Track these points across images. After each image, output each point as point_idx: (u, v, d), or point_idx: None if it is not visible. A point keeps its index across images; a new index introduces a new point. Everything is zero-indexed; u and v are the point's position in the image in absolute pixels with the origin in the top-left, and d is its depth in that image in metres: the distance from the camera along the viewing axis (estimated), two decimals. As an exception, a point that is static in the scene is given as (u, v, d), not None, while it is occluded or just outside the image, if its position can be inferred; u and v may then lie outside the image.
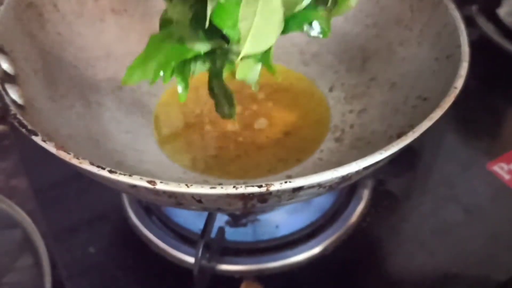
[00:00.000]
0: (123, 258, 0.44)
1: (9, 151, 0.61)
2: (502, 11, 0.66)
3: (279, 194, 0.27)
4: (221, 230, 0.42)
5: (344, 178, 0.28)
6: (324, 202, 0.45)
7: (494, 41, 0.63)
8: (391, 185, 0.48)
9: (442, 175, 0.49)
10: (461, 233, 0.45)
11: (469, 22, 0.65)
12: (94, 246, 0.45)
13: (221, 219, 0.44)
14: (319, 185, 0.28)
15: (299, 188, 0.27)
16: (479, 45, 0.64)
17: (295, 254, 0.42)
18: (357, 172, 0.28)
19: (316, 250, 0.43)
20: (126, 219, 0.46)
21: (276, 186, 0.27)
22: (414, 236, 0.45)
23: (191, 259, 0.40)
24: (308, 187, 0.27)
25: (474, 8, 0.67)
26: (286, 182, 0.27)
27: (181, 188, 0.26)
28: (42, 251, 0.50)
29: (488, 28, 0.64)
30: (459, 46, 0.36)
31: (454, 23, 0.38)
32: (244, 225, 0.45)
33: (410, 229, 0.45)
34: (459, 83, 0.33)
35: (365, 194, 0.46)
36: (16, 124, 0.30)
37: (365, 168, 0.28)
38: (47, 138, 0.30)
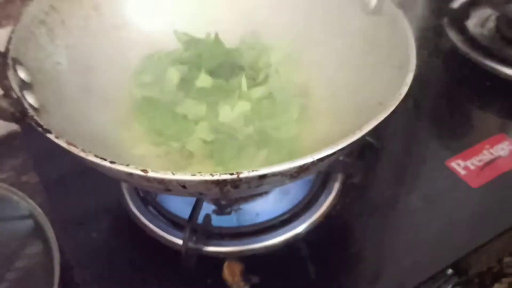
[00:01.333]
0: (123, 242, 0.50)
1: (19, 150, 0.67)
2: (470, 23, 0.72)
3: (248, 180, 0.34)
4: (207, 216, 0.48)
5: (301, 168, 0.34)
6: (298, 193, 0.51)
7: (463, 51, 0.68)
8: (359, 178, 0.54)
9: (405, 169, 0.55)
10: (421, 219, 0.51)
11: (441, 33, 0.72)
12: (97, 232, 0.51)
13: (208, 208, 0.50)
14: (281, 173, 0.34)
15: (264, 176, 0.33)
16: (449, 55, 0.71)
17: (273, 238, 0.48)
18: (313, 163, 0.34)
19: (290, 234, 0.49)
20: (125, 209, 0.51)
21: (244, 174, 0.33)
22: (378, 221, 0.51)
23: (180, 241, 0.46)
24: (271, 175, 0.34)
25: (445, 20, 0.73)
26: (253, 171, 0.33)
27: (168, 175, 0.33)
28: (52, 239, 0.55)
29: (458, 38, 0.70)
30: (408, 58, 0.42)
31: (406, 37, 0.44)
32: (229, 213, 0.51)
33: (375, 215, 0.51)
34: (404, 90, 0.39)
35: (335, 186, 0.52)
36: (34, 124, 0.36)
37: (319, 160, 0.34)
38: (59, 135, 0.36)
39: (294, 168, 0.34)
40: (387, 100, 0.41)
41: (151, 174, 0.33)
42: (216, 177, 0.33)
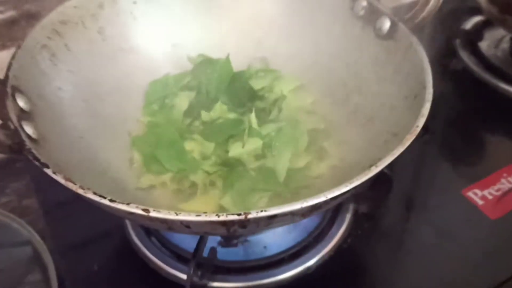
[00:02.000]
0: (124, 274, 0.48)
1: (22, 172, 0.65)
2: (483, 45, 0.71)
3: (257, 221, 0.32)
4: (213, 250, 0.46)
5: (313, 207, 0.32)
6: (308, 225, 0.49)
7: (476, 73, 0.67)
8: (371, 209, 0.51)
9: (419, 199, 0.53)
10: (435, 254, 0.48)
11: (453, 55, 0.70)
12: (98, 263, 0.49)
13: (213, 240, 0.48)
14: (291, 213, 0.32)
15: (274, 216, 0.31)
16: (462, 77, 0.69)
17: (281, 273, 0.46)
18: (325, 202, 0.32)
19: (300, 268, 0.46)
20: (127, 238, 0.49)
21: (253, 214, 0.31)
22: (390, 257, 0.49)
23: (184, 276, 0.44)
24: (281, 215, 0.32)
25: (457, 41, 0.71)
26: (262, 211, 0.31)
27: (171, 216, 0.31)
28: (50, 268, 0.54)
29: (471, 60, 0.68)
30: (424, 87, 0.40)
31: (421, 65, 0.42)
32: (235, 245, 0.49)
33: (387, 250, 0.49)
34: (421, 122, 0.37)
35: (347, 217, 0.50)
36: (30, 157, 0.34)
37: (332, 199, 0.32)
38: (57, 169, 0.34)
39: (306, 207, 0.32)
40: (402, 131, 0.40)
41: (153, 214, 0.31)
42: (223, 218, 0.31)
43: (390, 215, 0.52)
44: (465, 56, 0.69)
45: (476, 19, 0.74)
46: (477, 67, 0.67)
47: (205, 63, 0.54)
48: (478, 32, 0.71)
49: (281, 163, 0.45)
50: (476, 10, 0.70)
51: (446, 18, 0.71)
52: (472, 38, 0.70)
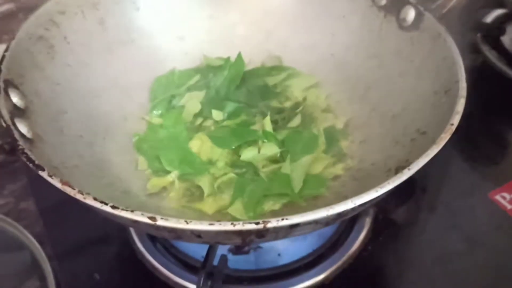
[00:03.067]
0: (126, 283, 0.45)
1: (19, 173, 0.62)
2: (506, 39, 0.67)
3: (276, 230, 0.28)
4: (223, 258, 0.43)
5: (339, 215, 0.29)
6: (326, 230, 0.46)
7: (498, 68, 0.63)
8: (393, 213, 0.48)
9: (444, 203, 0.49)
10: (462, 262, 0.45)
11: (474, 49, 0.66)
12: (99, 271, 0.46)
13: (224, 247, 0.45)
14: (315, 221, 0.28)
15: (296, 225, 0.28)
16: (483, 72, 0.66)
17: (297, 283, 0.43)
18: (353, 209, 0.29)
19: (317, 279, 0.43)
20: (130, 244, 0.46)
21: (273, 223, 0.27)
22: (415, 265, 0.45)
23: (193, 287, 0.41)
24: (304, 223, 0.28)
25: (478, 35, 0.67)
26: (282, 220, 0.27)
27: (180, 224, 0.27)
28: (48, 276, 0.51)
29: (492, 55, 0.65)
30: (457, 82, 0.37)
31: (452, 57, 0.39)
32: (247, 252, 0.45)
33: (412, 257, 0.46)
34: (456, 119, 0.34)
35: (367, 222, 0.46)
36: (24, 159, 0.31)
37: (361, 205, 0.29)
38: (53, 171, 0.31)
39: (331, 215, 0.28)
40: (431, 129, 0.36)
41: (160, 222, 0.27)
42: (239, 227, 0.27)
43: (412, 220, 0.49)
44: (486, 51, 0.66)
45: (498, 12, 0.70)
46: (499, 61, 0.64)
47: (215, 63, 0.52)
48: (500, 26, 0.67)
49: (299, 171, 0.42)
50: (498, 3, 0.67)
51: (466, 11, 0.67)
52: (494, 32, 0.67)
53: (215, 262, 0.42)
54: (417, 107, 0.41)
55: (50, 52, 0.43)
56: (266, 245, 0.45)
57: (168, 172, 0.44)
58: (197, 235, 0.29)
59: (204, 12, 0.53)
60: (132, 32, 0.50)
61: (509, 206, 0.49)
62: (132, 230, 0.47)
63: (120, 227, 0.48)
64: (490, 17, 0.70)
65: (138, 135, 0.47)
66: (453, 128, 0.33)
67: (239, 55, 0.50)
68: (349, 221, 0.46)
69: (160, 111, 0.49)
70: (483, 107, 0.62)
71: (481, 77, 0.66)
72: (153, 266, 0.44)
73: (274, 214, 0.41)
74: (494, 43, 0.66)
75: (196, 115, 0.48)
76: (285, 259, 0.44)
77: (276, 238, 0.30)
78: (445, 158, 0.54)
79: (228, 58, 0.51)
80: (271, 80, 0.50)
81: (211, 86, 0.49)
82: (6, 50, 0.39)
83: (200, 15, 0.53)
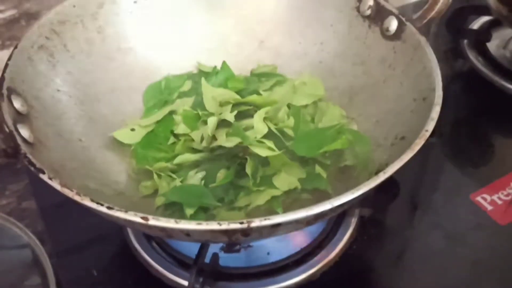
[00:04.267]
0: (123, 279, 0.47)
1: (21, 174, 0.65)
2: (492, 45, 0.69)
3: (260, 229, 0.30)
4: (215, 256, 0.45)
5: (319, 215, 0.31)
6: (313, 230, 0.48)
7: (484, 74, 0.65)
8: (378, 213, 0.50)
9: (426, 203, 0.52)
10: (443, 259, 0.47)
11: (460, 55, 0.68)
12: (97, 267, 0.48)
13: (215, 245, 0.47)
14: (296, 221, 0.31)
15: (278, 225, 0.30)
16: (469, 78, 0.68)
17: (285, 280, 0.45)
18: (331, 210, 0.31)
19: (304, 276, 0.45)
20: (127, 242, 0.48)
21: (256, 223, 0.29)
22: (399, 262, 0.47)
23: (186, 283, 0.43)
24: (286, 223, 0.30)
25: (465, 41, 0.69)
26: (265, 219, 0.30)
27: (170, 224, 0.29)
28: (49, 272, 0.53)
29: (478, 61, 0.67)
30: (433, 90, 0.39)
31: (430, 67, 0.41)
32: (238, 251, 0.48)
33: (395, 255, 0.48)
34: (430, 126, 0.36)
35: (353, 222, 0.48)
36: (26, 162, 0.33)
37: (339, 206, 0.31)
38: (53, 173, 0.33)
39: (310, 215, 0.30)
40: (410, 135, 0.38)
41: (152, 222, 0.29)
42: (224, 226, 0.29)
43: (397, 219, 0.51)
44: (473, 57, 0.67)
45: (484, 19, 0.72)
46: (485, 67, 0.66)
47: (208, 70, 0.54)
48: (486, 32, 0.69)
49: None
50: (484, 10, 0.68)
51: (453, 18, 0.69)
52: (480, 38, 0.69)
53: (207, 259, 0.44)
54: (398, 113, 0.43)
55: (51, 60, 0.45)
56: (256, 244, 0.48)
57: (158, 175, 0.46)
58: (186, 234, 0.31)
59: (200, 21, 0.55)
60: (130, 40, 0.52)
61: (489, 207, 0.51)
62: (129, 229, 0.49)
63: (117, 227, 0.49)
64: (476, 24, 0.72)
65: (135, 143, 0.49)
66: (427, 134, 0.35)
67: (224, 63, 0.53)
68: (336, 221, 0.49)
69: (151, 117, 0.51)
70: (469, 111, 0.64)
71: (467, 83, 0.68)
72: (148, 263, 0.46)
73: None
74: (480, 49, 0.68)
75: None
76: (274, 257, 0.46)
77: (261, 236, 0.32)
78: (429, 161, 0.56)
79: (215, 67, 0.53)
80: (261, 87, 0.52)
81: (200, 93, 0.51)
82: (9, 59, 0.41)
83: (195, 23, 0.55)
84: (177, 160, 0.45)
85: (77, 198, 0.31)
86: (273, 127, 0.46)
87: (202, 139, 0.46)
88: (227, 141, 0.44)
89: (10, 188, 0.65)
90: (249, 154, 0.44)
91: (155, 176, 0.45)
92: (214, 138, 0.46)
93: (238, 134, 0.44)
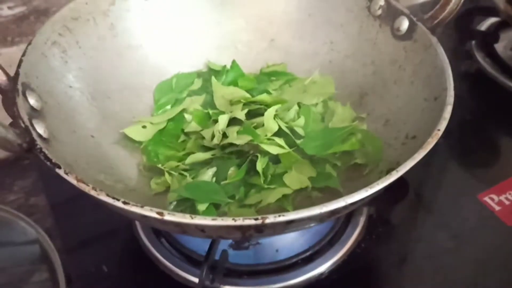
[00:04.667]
0: (133, 275, 0.48)
1: (29, 170, 0.65)
2: (500, 46, 0.69)
3: (273, 226, 0.31)
4: (224, 253, 0.45)
5: (332, 213, 0.31)
6: (322, 228, 0.48)
7: (492, 75, 0.65)
8: (386, 212, 0.50)
9: (434, 203, 0.52)
10: (450, 259, 0.47)
11: (468, 56, 0.68)
12: (106, 263, 0.48)
13: (225, 242, 0.47)
14: (309, 218, 0.31)
15: (291, 221, 0.30)
16: (477, 79, 0.68)
17: (293, 277, 0.45)
18: (344, 207, 0.31)
19: (312, 273, 0.45)
20: (136, 238, 0.49)
21: (270, 219, 0.30)
22: (406, 261, 0.48)
23: (196, 279, 0.43)
24: (299, 220, 0.31)
25: (473, 43, 0.69)
26: (279, 216, 0.30)
27: (186, 219, 0.30)
28: (57, 267, 0.53)
29: (486, 62, 0.67)
30: (445, 89, 0.39)
31: (442, 67, 0.41)
32: (247, 248, 0.48)
33: (402, 254, 0.48)
34: (443, 125, 0.36)
35: (361, 221, 0.49)
36: (42, 157, 0.33)
37: (352, 204, 0.31)
38: (69, 169, 0.33)
39: (324, 213, 0.31)
40: (421, 134, 0.39)
41: (167, 217, 0.30)
42: (239, 222, 0.30)
43: (404, 219, 0.51)
44: (481, 58, 0.68)
45: (492, 20, 0.72)
46: (493, 69, 0.66)
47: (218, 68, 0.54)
48: (494, 34, 0.70)
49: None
50: (492, 11, 0.69)
51: (461, 19, 0.69)
52: (488, 40, 0.69)
53: (217, 256, 0.44)
54: (408, 113, 0.43)
55: (63, 56, 0.45)
56: (265, 241, 0.48)
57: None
58: (201, 230, 0.31)
59: (211, 19, 0.55)
60: (141, 37, 0.52)
61: (497, 207, 0.51)
62: (138, 225, 0.49)
63: (127, 223, 0.50)
64: (484, 25, 0.72)
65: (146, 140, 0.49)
66: (440, 133, 0.35)
67: (234, 62, 0.53)
68: (344, 220, 0.49)
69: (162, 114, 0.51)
70: (477, 112, 0.64)
71: (475, 84, 0.68)
72: (157, 259, 0.46)
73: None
74: (488, 50, 0.68)
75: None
76: (282, 255, 0.46)
77: (273, 233, 0.33)
78: (438, 160, 0.57)
79: (224, 66, 0.53)
80: (271, 86, 0.52)
81: (210, 92, 0.51)
82: (23, 55, 0.41)
83: (207, 22, 0.55)
84: (189, 160, 0.46)
85: (93, 193, 0.31)
86: (283, 125, 0.46)
87: (213, 136, 0.46)
88: (238, 139, 0.44)
89: (18, 184, 0.66)
90: (260, 152, 0.44)
91: (166, 174, 0.45)
92: (225, 136, 0.46)
93: (248, 132, 0.45)
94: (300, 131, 0.47)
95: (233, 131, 0.45)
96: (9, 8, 0.59)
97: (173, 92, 0.52)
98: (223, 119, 0.46)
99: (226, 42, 0.55)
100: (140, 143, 0.48)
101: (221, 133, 0.46)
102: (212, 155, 0.46)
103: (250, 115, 0.48)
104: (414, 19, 0.46)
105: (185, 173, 0.45)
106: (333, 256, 0.46)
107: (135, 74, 0.51)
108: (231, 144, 0.45)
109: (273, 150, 0.43)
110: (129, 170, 0.45)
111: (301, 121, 0.48)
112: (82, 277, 0.48)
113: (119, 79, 0.50)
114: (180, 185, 0.44)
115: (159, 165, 0.46)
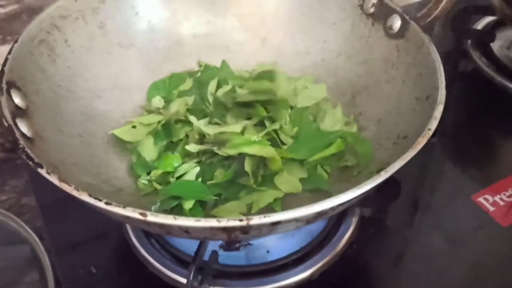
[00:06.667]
0: (122, 276, 0.47)
1: (22, 169, 0.64)
2: (495, 45, 0.69)
3: (259, 227, 0.30)
4: (214, 253, 0.44)
5: (320, 214, 0.31)
6: (314, 228, 0.47)
7: (488, 74, 0.65)
8: (378, 213, 0.50)
9: (428, 204, 0.51)
10: (445, 261, 0.47)
11: (464, 55, 0.68)
12: (95, 264, 0.47)
13: (215, 243, 0.47)
14: (296, 219, 0.30)
15: (277, 222, 0.30)
16: (473, 78, 0.67)
17: (285, 278, 0.44)
18: (332, 208, 0.31)
19: (304, 275, 0.45)
20: (126, 239, 0.48)
21: (255, 220, 0.29)
22: (398, 263, 0.47)
23: (184, 280, 0.43)
24: (285, 221, 0.30)
25: (469, 42, 0.69)
26: (265, 217, 0.29)
27: (169, 220, 0.29)
28: (47, 268, 0.53)
29: (482, 61, 0.66)
30: (437, 89, 0.38)
31: (434, 66, 0.41)
32: (237, 249, 0.47)
33: (395, 256, 0.47)
34: (433, 125, 0.35)
35: (353, 221, 0.48)
36: (24, 157, 0.33)
37: (340, 205, 0.31)
38: (52, 169, 0.33)
39: (311, 214, 0.30)
40: (412, 133, 0.38)
41: (150, 218, 0.29)
42: (224, 223, 0.29)
43: (397, 220, 0.51)
44: (477, 57, 0.67)
45: (488, 19, 0.71)
46: (489, 68, 0.65)
47: (207, 70, 0.53)
48: (490, 33, 0.69)
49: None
50: (488, 10, 0.68)
51: (456, 18, 0.69)
52: (484, 39, 0.68)
53: (206, 257, 0.44)
54: (400, 112, 0.43)
55: (51, 54, 0.45)
56: (255, 242, 0.47)
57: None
58: (185, 231, 0.30)
59: (202, 18, 0.54)
60: (131, 35, 0.51)
61: (491, 208, 0.50)
62: (128, 226, 0.48)
63: (117, 224, 0.49)
64: (480, 24, 0.71)
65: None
66: (430, 133, 0.35)
67: (223, 62, 0.53)
68: (336, 220, 0.48)
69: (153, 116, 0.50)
70: (472, 112, 0.64)
71: (470, 83, 0.68)
72: (147, 260, 0.46)
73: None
74: (484, 49, 0.68)
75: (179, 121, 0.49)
76: (274, 256, 0.46)
77: (260, 234, 0.32)
78: (431, 161, 0.56)
79: (215, 66, 0.53)
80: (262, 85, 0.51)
81: (200, 92, 0.51)
82: (9, 53, 0.41)
83: (198, 21, 0.54)
84: (178, 172, 0.45)
85: (75, 193, 0.31)
86: (271, 128, 0.45)
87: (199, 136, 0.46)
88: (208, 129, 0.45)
89: (10, 184, 0.65)
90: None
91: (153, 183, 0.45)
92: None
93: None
94: (288, 133, 0.46)
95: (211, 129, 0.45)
96: (1, 6, 0.59)
97: (166, 92, 0.51)
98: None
99: (217, 42, 0.54)
100: (130, 143, 0.48)
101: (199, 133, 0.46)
102: (198, 161, 0.45)
103: (240, 115, 0.47)
104: (407, 17, 0.45)
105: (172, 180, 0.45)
106: (325, 257, 0.45)
107: (125, 73, 0.51)
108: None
109: (254, 151, 0.43)
110: (117, 170, 0.45)
111: (291, 123, 0.47)
112: (71, 278, 0.47)
113: (109, 78, 0.49)
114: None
115: (144, 178, 0.45)
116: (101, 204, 0.30)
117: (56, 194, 0.51)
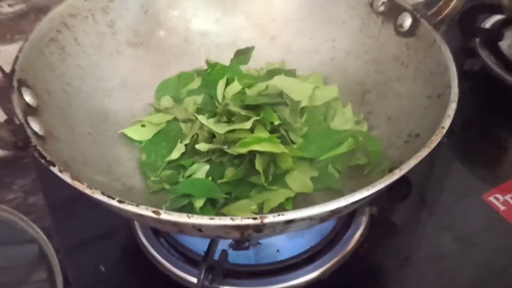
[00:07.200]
0: (131, 275, 0.47)
1: (29, 168, 0.64)
2: (504, 44, 0.68)
3: (273, 225, 0.30)
4: (224, 253, 0.44)
5: (333, 212, 0.31)
6: (323, 228, 0.47)
7: (495, 73, 0.64)
8: (389, 212, 0.49)
9: (438, 203, 0.51)
10: (454, 261, 0.46)
11: (472, 54, 0.67)
12: (104, 263, 0.47)
13: (224, 242, 0.47)
14: (310, 218, 0.30)
15: (291, 221, 0.30)
16: (481, 77, 0.67)
17: (294, 278, 0.44)
18: (346, 207, 0.31)
19: (314, 274, 0.44)
20: (135, 238, 0.48)
21: (269, 219, 0.29)
22: (409, 263, 0.47)
23: (194, 280, 0.43)
24: (299, 219, 0.30)
25: (477, 40, 0.69)
26: (279, 215, 0.29)
27: (183, 218, 0.29)
28: (55, 267, 0.53)
29: (490, 60, 0.66)
30: (449, 87, 0.38)
31: (446, 64, 0.40)
32: (247, 248, 0.47)
33: (405, 255, 0.47)
34: (447, 123, 0.35)
35: (363, 220, 0.48)
36: (36, 155, 0.33)
37: (353, 203, 0.31)
38: (64, 167, 0.32)
39: (325, 212, 0.30)
40: (424, 132, 0.38)
41: (163, 216, 0.29)
42: (237, 221, 0.29)
43: (407, 219, 0.50)
44: (485, 56, 0.66)
45: (496, 18, 0.71)
46: (497, 67, 0.65)
47: (215, 69, 0.53)
48: (498, 31, 0.69)
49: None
50: (496, 9, 0.68)
51: (465, 17, 0.68)
52: (492, 37, 0.68)
53: (216, 256, 0.43)
54: (411, 111, 0.43)
55: (61, 53, 0.45)
56: (265, 241, 0.47)
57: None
58: (198, 229, 0.30)
59: (211, 16, 0.54)
60: (140, 34, 0.51)
61: (502, 207, 0.50)
62: (136, 224, 0.48)
63: (125, 222, 0.49)
64: (488, 23, 0.71)
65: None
66: (444, 131, 0.35)
67: (232, 60, 0.52)
68: (346, 219, 0.48)
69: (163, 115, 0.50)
70: (481, 111, 0.63)
71: (479, 82, 0.67)
72: (156, 259, 0.46)
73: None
74: (492, 48, 0.67)
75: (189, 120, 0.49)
76: (283, 255, 0.46)
77: (273, 233, 0.32)
78: (442, 160, 0.56)
79: (223, 65, 0.53)
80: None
81: (208, 91, 0.51)
82: (19, 51, 0.41)
83: (207, 19, 0.54)
84: (188, 172, 0.45)
85: (88, 191, 0.31)
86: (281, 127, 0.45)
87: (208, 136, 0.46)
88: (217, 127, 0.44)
89: (17, 183, 0.65)
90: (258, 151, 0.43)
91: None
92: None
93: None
94: (298, 132, 0.46)
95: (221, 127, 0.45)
96: (9, 5, 0.59)
97: (175, 91, 0.51)
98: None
99: (226, 40, 0.54)
100: (139, 141, 0.48)
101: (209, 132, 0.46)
102: (208, 160, 0.45)
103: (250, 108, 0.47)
104: (417, 15, 0.45)
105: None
106: (335, 256, 0.45)
107: (134, 72, 0.51)
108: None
109: (265, 148, 0.42)
110: (127, 169, 0.45)
111: (301, 121, 0.47)
112: (80, 277, 0.47)
113: (119, 77, 0.49)
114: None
115: (155, 177, 0.45)
116: (114, 202, 0.30)
117: (64, 192, 0.52)
